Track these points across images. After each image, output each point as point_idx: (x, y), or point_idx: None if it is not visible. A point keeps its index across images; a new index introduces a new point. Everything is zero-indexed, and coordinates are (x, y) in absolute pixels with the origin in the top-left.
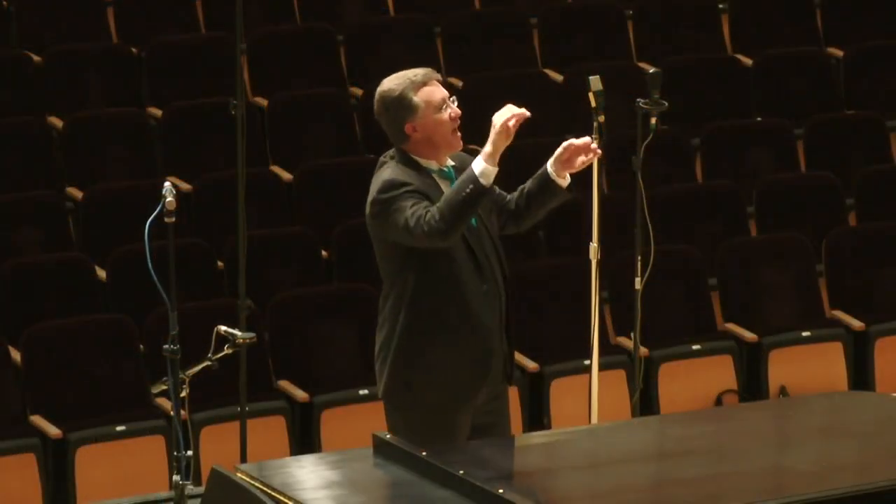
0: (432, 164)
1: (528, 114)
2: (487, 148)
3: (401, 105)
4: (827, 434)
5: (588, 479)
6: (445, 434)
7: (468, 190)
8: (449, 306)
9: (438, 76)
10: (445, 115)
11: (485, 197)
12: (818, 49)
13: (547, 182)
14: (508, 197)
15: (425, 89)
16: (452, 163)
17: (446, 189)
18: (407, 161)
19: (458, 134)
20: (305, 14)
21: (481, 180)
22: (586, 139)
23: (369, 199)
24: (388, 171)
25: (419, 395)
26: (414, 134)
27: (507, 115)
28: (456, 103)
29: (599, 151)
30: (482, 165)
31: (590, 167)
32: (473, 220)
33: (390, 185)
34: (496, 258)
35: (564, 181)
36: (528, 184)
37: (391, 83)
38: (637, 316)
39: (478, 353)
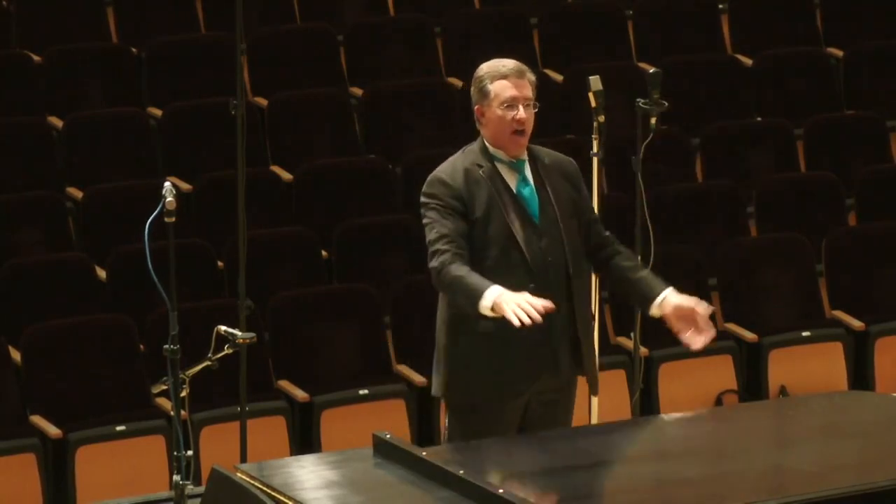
0: (501, 154)
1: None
2: (495, 303)
3: (479, 88)
4: (827, 434)
5: (588, 479)
6: (493, 426)
7: (468, 303)
8: None
9: (530, 76)
10: (509, 114)
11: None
12: (818, 49)
13: (643, 303)
14: (604, 235)
15: (502, 82)
16: (525, 157)
17: (510, 180)
18: (481, 147)
19: (518, 138)
20: (305, 14)
21: (479, 310)
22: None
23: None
24: (451, 159)
25: (462, 389)
26: (482, 118)
27: (514, 306)
28: (533, 109)
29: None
30: (490, 304)
31: (590, 167)
32: (536, 218)
33: (430, 185)
34: (560, 256)
35: (654, 313)
36: (633, 279)
37: (485, 66)
38: (637, 316)
39: (521, 348)
